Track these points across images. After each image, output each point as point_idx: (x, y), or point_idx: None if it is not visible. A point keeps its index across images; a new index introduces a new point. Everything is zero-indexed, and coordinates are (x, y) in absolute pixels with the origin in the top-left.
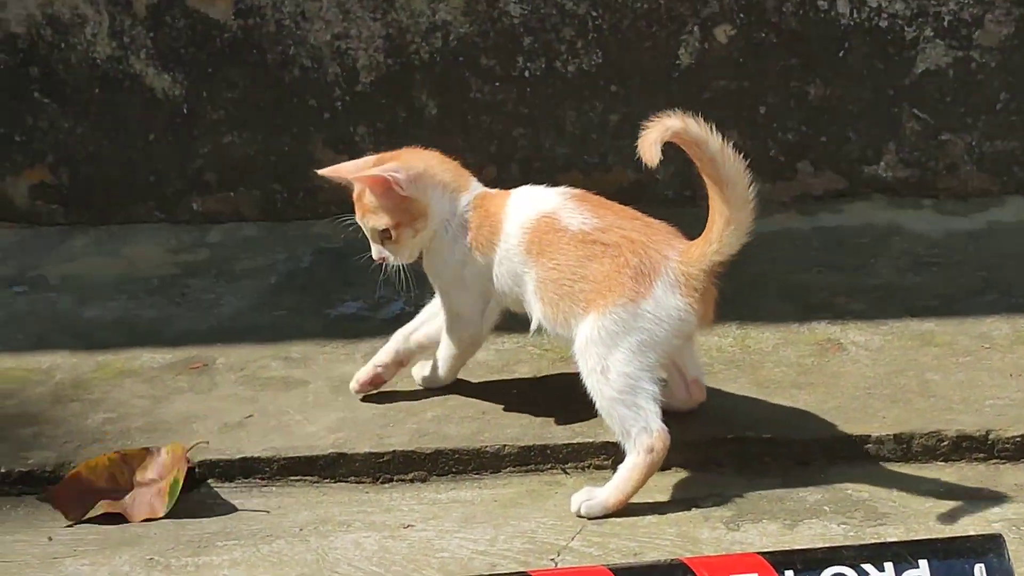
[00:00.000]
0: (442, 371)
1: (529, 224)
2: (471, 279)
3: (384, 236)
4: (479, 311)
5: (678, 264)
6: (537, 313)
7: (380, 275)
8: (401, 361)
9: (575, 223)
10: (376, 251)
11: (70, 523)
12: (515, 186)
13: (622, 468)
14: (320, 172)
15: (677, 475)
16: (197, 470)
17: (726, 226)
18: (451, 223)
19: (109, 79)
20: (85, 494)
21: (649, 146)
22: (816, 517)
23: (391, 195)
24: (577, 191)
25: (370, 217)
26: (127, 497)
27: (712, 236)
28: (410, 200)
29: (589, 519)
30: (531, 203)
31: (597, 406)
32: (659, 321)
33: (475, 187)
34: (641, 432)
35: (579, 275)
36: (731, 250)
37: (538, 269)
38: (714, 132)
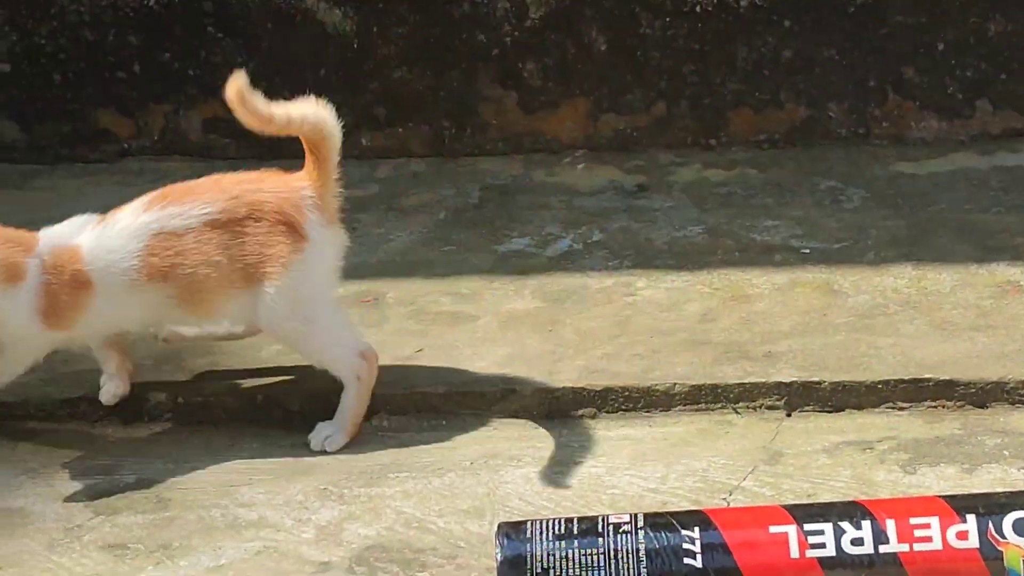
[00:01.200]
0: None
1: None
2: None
3: None
4: None
5: (311, 199)
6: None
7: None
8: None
9: (192, 220)
10: None
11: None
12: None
13: (344, 399)
14: None
15: (852, 417)
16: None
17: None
18: None
19: (281, 14)
20: None
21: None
22: (995, 462)
23: None
24: (156, 193)
25: None
26: None
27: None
28: None
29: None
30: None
31: (308, 358)
32: (324, 257)
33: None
34: (354, 360)
35: (235, 257)
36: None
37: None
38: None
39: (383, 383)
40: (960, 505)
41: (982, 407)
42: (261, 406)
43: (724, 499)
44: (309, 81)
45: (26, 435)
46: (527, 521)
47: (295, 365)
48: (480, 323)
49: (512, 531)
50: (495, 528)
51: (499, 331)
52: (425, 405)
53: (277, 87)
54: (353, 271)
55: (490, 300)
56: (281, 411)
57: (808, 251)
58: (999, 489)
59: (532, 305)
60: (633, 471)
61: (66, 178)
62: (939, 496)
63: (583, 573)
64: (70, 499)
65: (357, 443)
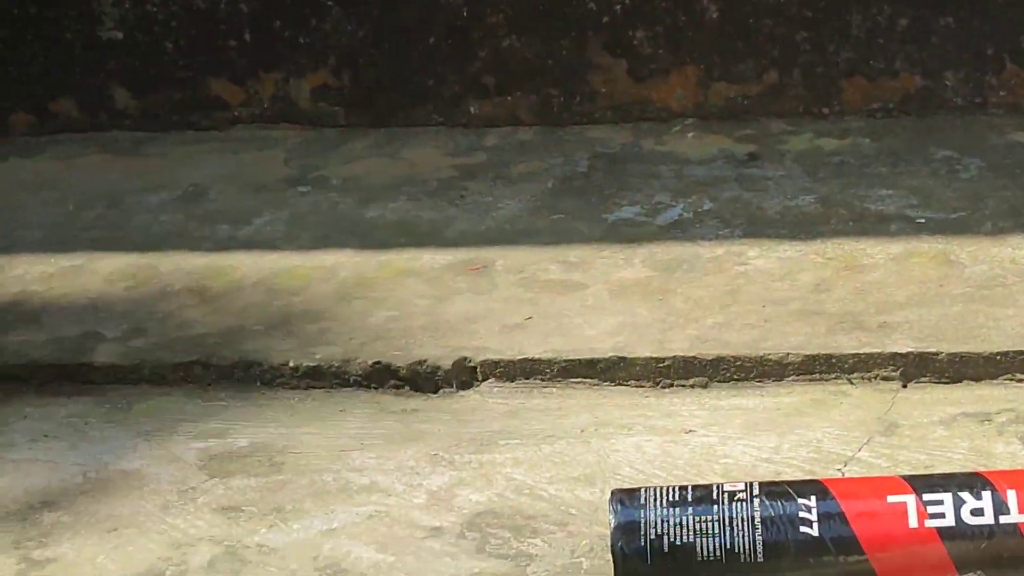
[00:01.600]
0: None
1: None
2: None
3: None
4: None
5: None
6: None
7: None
8: None
9: None
10: None
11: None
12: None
13: None
14: None
15: (969, 388)
16: (479, 369)
17: None
18: None
19: None
20: None
21: None
22: None
23: None
24: None
25: None
26: None
27: None
28: None
29: None
30: None
31: None
32: None
33: None
34: None
35: None
36: None
37: None
38: None
39: (492, 350)
40: None
41: None
42: (372, 372)
43: (839, 470)
44: (418, 49)
45: (140, 398)
46: (640, 488)
47: (404, 330)
48: (590, 291)
49: (626, 497)
50: (606, 495)
51: (609, 300)
52: (535, 372)
53: (386, 55)
54: (461, 239)
55: (599, 269)
56: (391, 377)
57: (923, 221)
58: None
59: (642, 274)
60: (746, 440)
61: (177, 145)
62: None
63: (697, 540)
64: (184, 462)
65: (466, 410)
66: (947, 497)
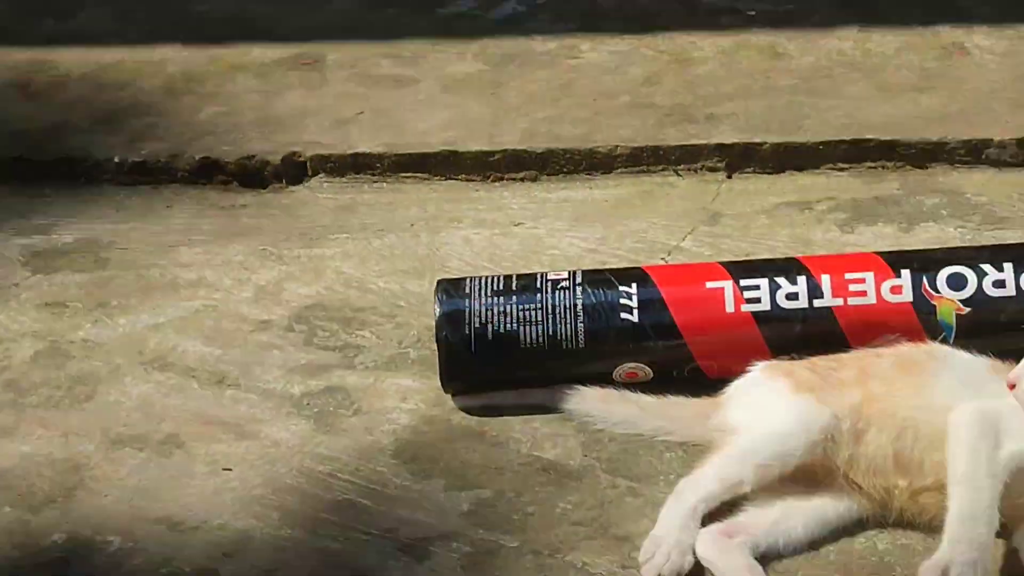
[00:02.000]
0: None
1: None
2: None
3: None
4: None
5: None
6: None
7: None
8: None
9: None
10: None
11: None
12: None
13: None
14: None
15: (792, 178)
16: (309, 164)
17: None
18: None
19: None
20: None
21: None
22: (933, 220)
23: None
24: None
25: None
26: None
27: None
28: None
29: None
30: None
31: None
32: None
33: None
34: None
35: None
36: None
37: None
38: None
39: (323, 144)
40: (895, 261)
41: (922, 167)
42: (200, 168)
43: (663, 259)
44: None
45: None
46: (466, 278)
47: (233, 125)
48: (422, 86)
49: (451, 287)
50: (434, 287)
51: (441, 94)
52: (365, 167)
53: None
54: (293, 33)
55: (432, 63)
56: (219, 172)
57: (754, 14)
58: (935, 247)
59: (474, 68)
60: (573, 232)
61: None
62: (875, 252)
63: (521, 328)
64: (6, 258)
65: (296, 205)
66: (763, 282)
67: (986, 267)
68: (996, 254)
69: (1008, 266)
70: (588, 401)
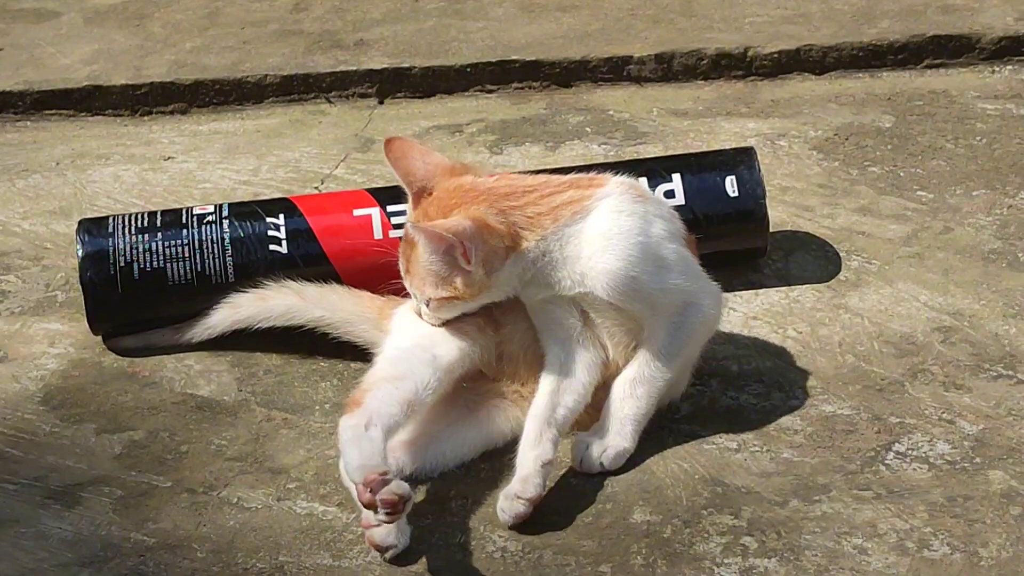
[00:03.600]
0: None
1: None
2: None
3: None
4: None
5: None
6: None
7: None
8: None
9: None
10: None
11: None
12: None
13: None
14: None
15: (441, 101)
16: None
17: None
18: None
19: None
20: None
21: None
22: (579, 138)
23: None
24: None
25: None
26: None
27: None
28: None
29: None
30: None
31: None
32: None
33: None
34: None
35: None
36: None
37: None
38: None
39: None
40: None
41: (567, 87)
42: None
43: (316, 188)
44: None
45: None
46: (109, 216)
47: None
48: (64, 19)
49: (93, 227)
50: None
51: (84, 27)
52: (6, 105)
53: None
54: None
55: None
56: None
57: None
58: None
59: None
60: (225, 164)
61: None
62: None
63: (168, 264)
64: None
65: None
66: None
67: None
68: (631, 169)
69: (642, 180)
70: (245, 308)
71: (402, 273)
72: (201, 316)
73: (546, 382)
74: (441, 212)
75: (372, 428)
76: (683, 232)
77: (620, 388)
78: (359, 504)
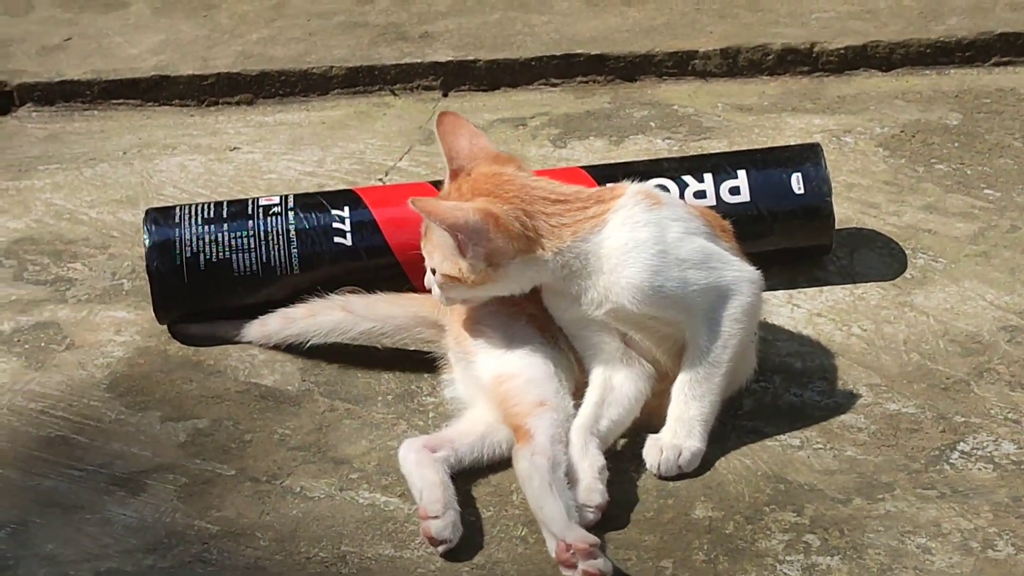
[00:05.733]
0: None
1: None
2: None
3: None
4: None
5: None
6: None
7: None
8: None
9: None
10: None
11: None
12: None
13: None
14: None
15: (506, 94)
16: (16, 94)
17: None
18: None
19: None
20: None
21: None
22: (643, 133)
23: None
24: None
25: None
26: None
27: None
28: None
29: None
30: None
31: None
32: None
33: None
34: None
35: None
36: None
37: None
38: None
39: (29, 73)
40: (599, 174)
41: (631, 81)
42: None
43: (380, 179)
44: None
45: None
46: (176, 206)
47: None
48: (132, 9)
49: (160, 216)
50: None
51: (152, 17)
52: (75, 95)
53: None
54: None
55: None
56: None
57: None
58: (642, 159)
59: None
60: (290, 155)
61: None
62: (581, 166)
63: (234, 255)
64: None
65: (3, 137)
66: None
67: (687, 179)
68: (697, 165)
69: (708, 176)
70: (297, 323)
71: (422, 235)
72: (260, 317)
73: (591, 395)
74: (471, 194)
75: (558, 469)
76: (705, 226)
77: (680, 391)
78: (416, 497)
